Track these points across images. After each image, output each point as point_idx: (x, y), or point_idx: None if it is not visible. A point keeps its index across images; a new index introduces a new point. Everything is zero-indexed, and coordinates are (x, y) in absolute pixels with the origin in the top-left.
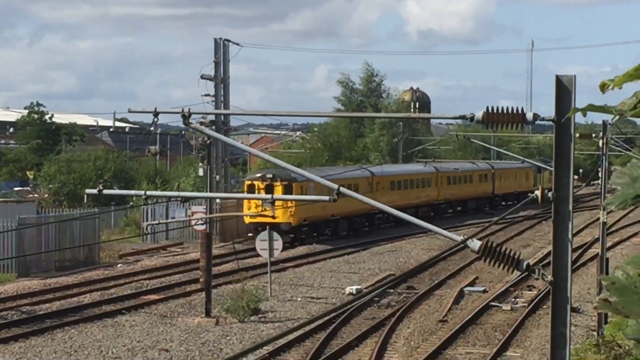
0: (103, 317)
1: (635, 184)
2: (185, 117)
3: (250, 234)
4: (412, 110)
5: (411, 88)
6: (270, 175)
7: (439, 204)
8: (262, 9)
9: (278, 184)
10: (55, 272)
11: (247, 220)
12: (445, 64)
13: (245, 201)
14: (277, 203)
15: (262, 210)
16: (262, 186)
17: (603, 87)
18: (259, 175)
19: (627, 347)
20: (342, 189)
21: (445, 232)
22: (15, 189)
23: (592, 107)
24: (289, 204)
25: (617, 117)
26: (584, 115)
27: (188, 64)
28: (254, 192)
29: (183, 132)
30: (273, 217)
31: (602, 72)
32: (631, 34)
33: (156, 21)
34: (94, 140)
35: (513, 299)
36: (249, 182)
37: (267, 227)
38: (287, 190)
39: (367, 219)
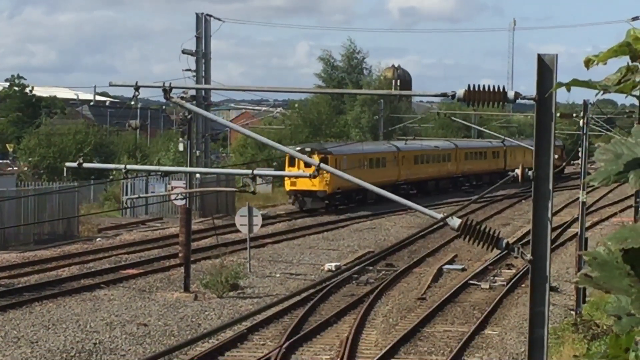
0: (81, 291)
1: (619, 160)
2: (166, 91)
3: (290, 200)
4: (393, 87)
5: (393, 65)
6: (309, 149)
7: (457, 177)
8: None
9: (315, 156)
10: (34, 246)
11: (287, 187)
12: (427, 42)
13: (287, 170)
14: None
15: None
16: None
17: (588, 63)
18: (299, 148)
19: (604, 327)
20: (323, 165)
21: (425, 210)
22: None
23: (576, 82)
24: (325, 173)
25: (602, 93)
26: (568, 90)
27: (169, 38)
28: (294, 164)
29: (164, 107)
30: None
31: (583, 51)
32: (612, 14)
33: None
34: (75, 114)
35: (492, 278)
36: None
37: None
38: (323, 162)
39: (393, 189)
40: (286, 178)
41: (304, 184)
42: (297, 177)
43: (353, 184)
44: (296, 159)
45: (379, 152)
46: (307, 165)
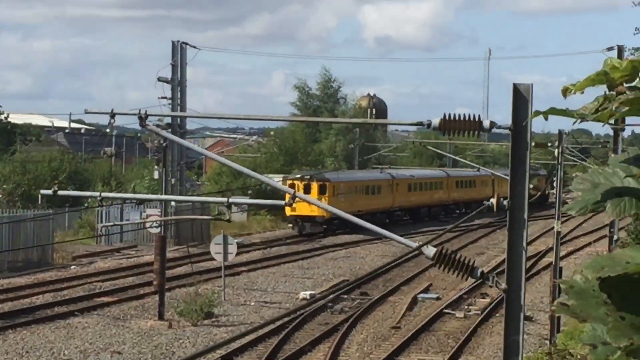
0: (55, 318)
1: (596, 190)
2: (142, 119)
3: (290, 225)
4: (369, 116)
5: (368, 94)
6: (308, 177)
7: (449, 205)
8: (220, 12)
9: (314, 183)
10: (7, 273)
11: (287, 212)
12: (402, 71)
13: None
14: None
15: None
16: (301, 185)
17: (565, 92)
18: (298, 176)
19: (579, 356)
20: (298, 194)
21: (400, 239)
22: None
23: (553, 111)
24: (323, 199)
25: (579, 121)
26: (546, 119)
27: (145, 66)
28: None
29: (139, 135)
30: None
31: (558, 81)
32: (586, 44)
33: (113, 22)
34: (50, 141)
35: (466, 307)
36: (290, 182)
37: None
38: (322, 188)
39: (388, 215)
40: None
41: (303, 210)
42: (271, 206)
43: (351, 210)
44: (296, 187)
45: (374, 180)
46: (306, 191)
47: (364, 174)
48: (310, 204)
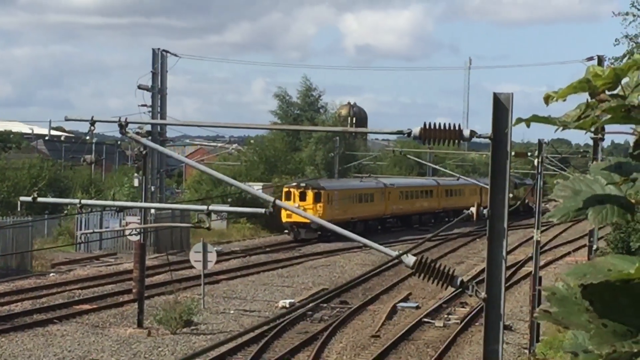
0: (34, 326)
1: (577, 197)
2: (122, 126)
3: (286, 231)
4: (349, 125)
5: (348, 103)
6: (304, 184)
7: (439, 212)
8: (200, 20)
9: (310, 191)
10: None
11: (284, 219)
12: (383, 80)
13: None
14: (308, 205)
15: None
16: (297, 192)
17: (547, 99)
18: (294, 184)
19: None
20: (278, 202)
21: (380, 247)
22: None
23: (535, 118)
24: (318, 206)
25: (561, 129)
26: (528, 126)
27: (125, 73)
28: (290, 198)
29: (119, 142)
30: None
31: (538, 91)
32: (566, 54)
33: (94, 30)
34: (30, 148)
35: (446, 316)
36: (287, 189)
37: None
38: (317, 196)
39: (380, 222)
40: (283, 210)
41: (299, 217)
42: (251, 214)
43: (345, 217)
44: (292, 194)
45: (367, 188)
46: (302, 199)
47: (357, 182)
48: (305, 210)
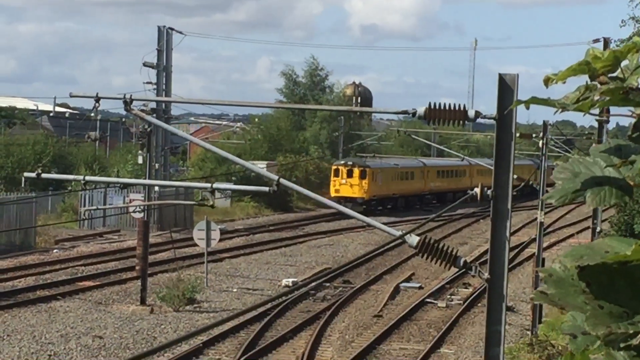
0: (37, 302)
1: (576, 179)
2: (127, 103)
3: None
4: (354, 104)
5: (353, 82)
6: (351, 162)
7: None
8: None
9: (356, 168)
10: None
11: (332, 194)
12: (388, 60)
13: (332, 179)
14: (355, 181)
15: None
16: (344, 170)
17: (547, 82)
18: (342, 162)
19: (560, 347)
20: (282, 180)
21: (384, 227)
22: None
23: (535, 100)
24: (364, 183)
25: (560, 111)
26: (527, 108)
27: (130, 50)
28: (338, 175)
29: (123, 119)
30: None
31: (543, 72)
32: (571, 36)
33: (98, 7)
34: (34, 124)
35: (448, 296)
36: (335, 167)
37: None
38: (363, 173)
39: (419, 199)
40: (332, 186)
41: (346, 191)
42: (255, 192)
43: (387, 193)
44: (340, 171)
45: (408, 167)
46: (349, 175)
47: (399, 161)
48: (351, 186)
